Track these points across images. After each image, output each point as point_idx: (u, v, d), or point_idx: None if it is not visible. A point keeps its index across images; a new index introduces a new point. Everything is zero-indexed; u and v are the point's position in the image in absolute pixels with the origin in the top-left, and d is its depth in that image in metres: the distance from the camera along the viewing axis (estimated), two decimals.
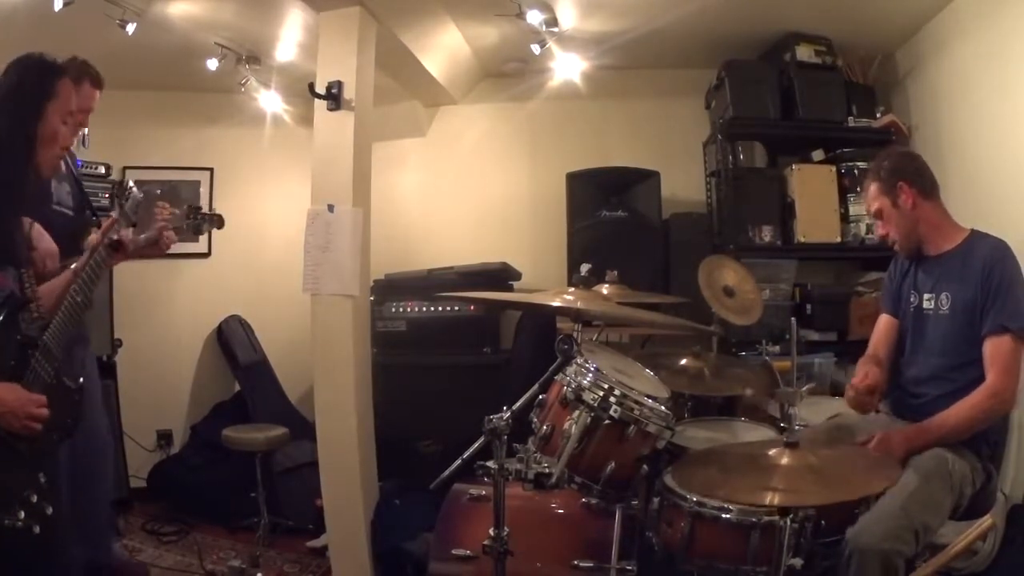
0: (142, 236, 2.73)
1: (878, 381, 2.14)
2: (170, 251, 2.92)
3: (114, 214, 1.99)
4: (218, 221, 2.87)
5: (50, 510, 1.62)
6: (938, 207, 2.24)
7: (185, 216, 2.79)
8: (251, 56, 3.78)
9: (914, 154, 2.42)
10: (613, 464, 1.96)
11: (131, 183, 2.09)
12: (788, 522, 1.72)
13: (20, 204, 1.73)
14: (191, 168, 4.48)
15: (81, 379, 1.87)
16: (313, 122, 3.12)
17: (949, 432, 2.04)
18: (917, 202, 2.20)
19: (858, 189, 3.56)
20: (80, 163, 2.83)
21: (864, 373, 2.17)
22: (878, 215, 2.29)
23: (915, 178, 2.22)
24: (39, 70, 1.74)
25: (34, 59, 1.75)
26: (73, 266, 1.90)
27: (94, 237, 1.95)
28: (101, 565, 2.84)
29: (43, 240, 2.26)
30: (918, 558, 1.85)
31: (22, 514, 1.57)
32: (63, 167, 2.68)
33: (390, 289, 3.86)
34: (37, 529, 1.58)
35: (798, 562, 1.73)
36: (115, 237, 1.93)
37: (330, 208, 3.04)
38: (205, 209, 2.89)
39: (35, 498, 1.61)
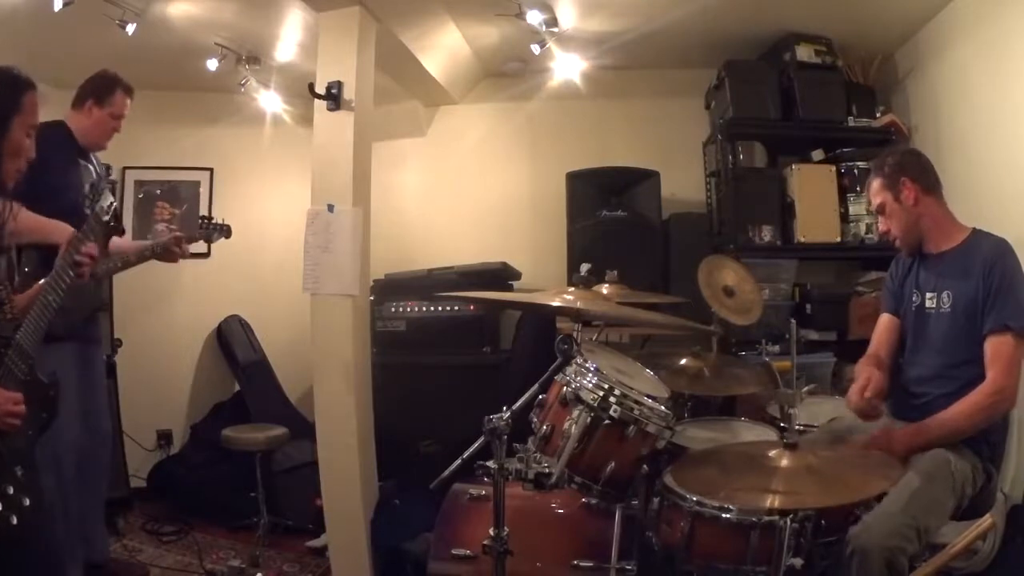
0: (147, 246, 2.90)
1: (880, 387, 2.13)
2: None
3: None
4: (227, 231, 3.19)
5: (27, 502, 1.66)
6: (940, 204, 2.25)
7: (198, 226, 3.11)
8: (251, 56, 3.78)
9: (918, 151, 2.43)
10: (613, 464, 1.96)
11: (103, 186, 2.15)
12: (788, 522, 1.72)
13: None
14: (191, 168, 4.49)
15: (56, 374, 1.90)
16: (313, 122, 3.12)
17: (950, 431, 2.04)
18: (919, 198, 2.20)
19: (858, 189, 3.56)
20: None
21: (866, 377, 2.16)
22: (880, 211, 2.30)
23: (918, 174, 2.22)
24: (7, 85, 1.75)
25: (2, 73, 1.75)
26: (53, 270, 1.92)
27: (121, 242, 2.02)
28: (95, 563, 2.87)
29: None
30: (918, 558, 1.85)
31: None
32: (94, 174, 2.76)
33: (390, 289, 3.86)
34: (14, 520, 1.62)
35: (798, 562, 1.73)
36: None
37: (330, 208, 3.04)
38: (216, 219, 3.17)
39: (11, 490, 1.64)
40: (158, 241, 2.99)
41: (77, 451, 2.64)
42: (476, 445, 1.82)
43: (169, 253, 2.94)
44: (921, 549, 1.85)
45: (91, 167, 2.81)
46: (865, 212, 3.56)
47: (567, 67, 3.89)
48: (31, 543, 1.71)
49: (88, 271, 2.03)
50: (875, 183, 2.29)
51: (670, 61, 4.06)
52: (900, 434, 2.06)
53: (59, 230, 2.28)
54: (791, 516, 1.72)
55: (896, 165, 2.25)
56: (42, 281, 1.90)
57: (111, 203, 2.05)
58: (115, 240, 2.74)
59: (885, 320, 2.40)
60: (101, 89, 2.79)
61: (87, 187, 2.72)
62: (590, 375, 2.00)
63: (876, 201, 2.30)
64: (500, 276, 3.87)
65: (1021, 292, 2.05)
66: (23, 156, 1.78)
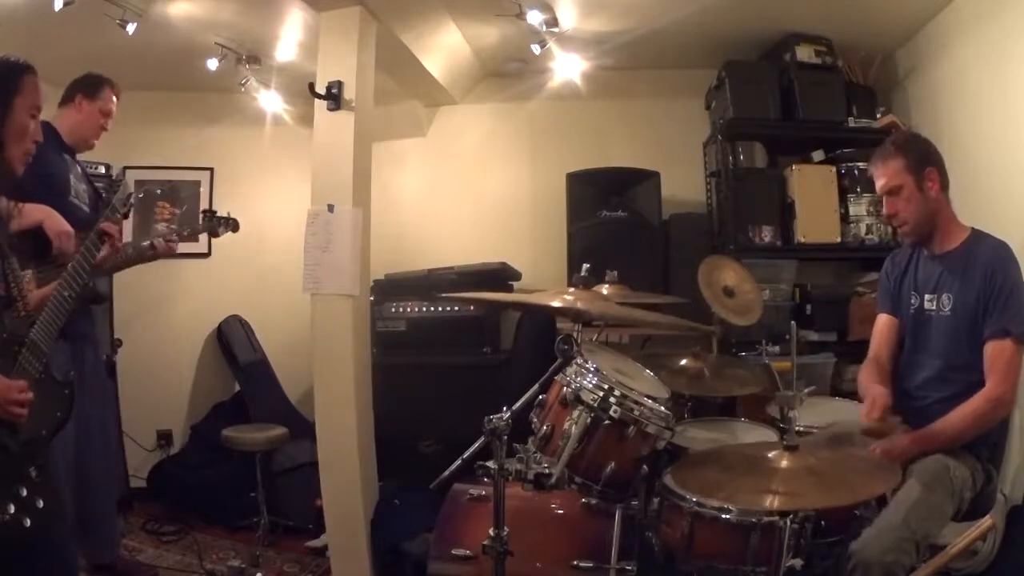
0: (143, 243, 2.81)
1: (886, 405, 2.10)
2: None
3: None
4: (233, 225, 3.10)
5: (41, 503, 1.63)
6: (949, 203, 2.23)
7: (201, 219, 3.04)
8: (251, 56, 3.78)
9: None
10: (613, 464, 1.96)
11: (122, 176, 2.12)
12: (788, 522, 1.73)
13: None
14: (191, 168, 4.48)
15: (72, 373, 1.87)
16: (313, 122, 3.12)
17: (950, 438, 2.04)
18: (939, 193, 2.17)
19: (858, 189, 3.57)
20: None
21: (871, 398, 2.12)
22: (895, 191, 2.18)
23: (941, 168, 2.19)
24: (3, 68, 1.74)
25: None
26: (70, 265, 1.90)
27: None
28: (105, 563, 2.86)
29: (53, 219, 2.29)
30: (918, 562, 1.86)
31: (12, 508, 1.57)
32: (79, 170, 2.73)
33: (390, 289, 3.86)
34: (28, 522, 1.59)
35: (798, 562, 1.73)
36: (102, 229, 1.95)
37: (330, 208, 3.04)
38: (220, 213, 3.08)
39: (24, 492, 1.61)
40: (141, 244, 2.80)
41: (73, 451, 2.63)
42: (476, 445, 1.81)
43: (156, 251, 2.77)
44: (920, 558, 1.85)
45: (77, 165, 2.79)
46: (865, 213, 3.57)
47: (567, 67, 3.89)
48: (45, 547, 1.68)
49: (113, 258, 2.01)
50: (896, 162, 2.17)
51: (670, 61, 4.06)
52: (901, 446, 2.05)
53: (42, 211, 2.27)
54: (791, 517, 1.73)
55: (924, 152, 2.19)
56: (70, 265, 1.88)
57: (130, 193, 2.04)
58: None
59: (884, 321, 2.38)
60: (91, 85, 2.80)
61: (72, 180, 2.69)
62: (590, 375, 2.00)
63: (893, 182, 2.17)
64: (500, 276, 3.87)
65: (1022, 297, 2.04)
66: (29, 138, 1.77)
